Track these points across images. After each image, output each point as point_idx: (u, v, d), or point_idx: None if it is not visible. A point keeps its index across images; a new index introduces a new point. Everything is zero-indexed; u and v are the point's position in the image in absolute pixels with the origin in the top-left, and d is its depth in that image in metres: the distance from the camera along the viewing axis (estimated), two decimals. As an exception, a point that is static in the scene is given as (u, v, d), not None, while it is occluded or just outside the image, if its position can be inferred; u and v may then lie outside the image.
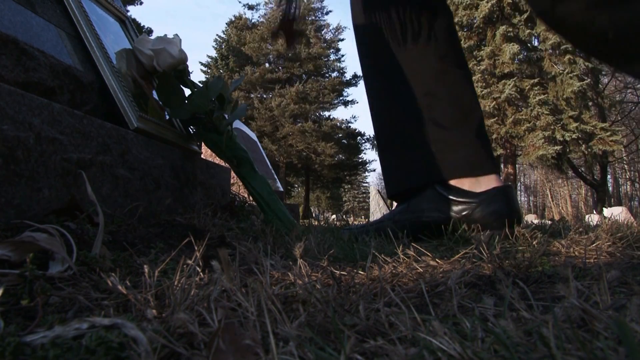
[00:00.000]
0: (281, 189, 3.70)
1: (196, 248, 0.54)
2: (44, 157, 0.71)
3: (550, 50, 13.23)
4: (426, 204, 1.12)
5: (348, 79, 20.82)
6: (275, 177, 3.74)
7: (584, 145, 12.80)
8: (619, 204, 20.66)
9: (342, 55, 23.06)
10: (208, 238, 0.77)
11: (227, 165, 1.63)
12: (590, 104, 13.72)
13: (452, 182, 1.10)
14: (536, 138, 12.51)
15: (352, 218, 14.78)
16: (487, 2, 12.98)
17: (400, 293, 0.47)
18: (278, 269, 0.62)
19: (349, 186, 29.20)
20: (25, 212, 0.66)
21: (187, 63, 1.34)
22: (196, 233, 0.88)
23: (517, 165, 16.56)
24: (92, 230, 0.66)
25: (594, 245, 0.85)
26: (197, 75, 21.85)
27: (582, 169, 15.81)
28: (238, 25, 21.02)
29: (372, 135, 20.40)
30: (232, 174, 1.71)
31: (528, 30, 12.99)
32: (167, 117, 1.34)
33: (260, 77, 19.21)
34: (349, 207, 33.66)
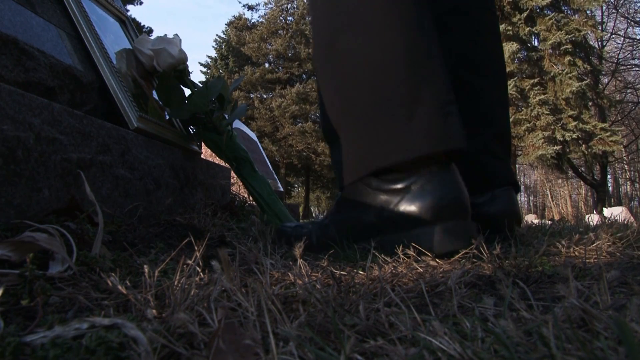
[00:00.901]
0: (281, 189, 3.70)
1: (196, 248, 0.54)
2: (44, 157, 0.71)
3: (550, 50, 13.23)
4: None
5: (348, 79, 20.76)
6: (276, 177, 3.74)
7: (584, 145, 12.80)
8: (619, 204, 20.65)
9: (342, 55, 23.00)
10: (208, 238, 0.77)
11: (227, 165, 1.63)
12: (590, 104, 13.72)
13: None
14: (536, 138, 12.51)
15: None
16: (488, 2, 12.97)
17: (400, 293, 0.47)
18: (278, 269, 0.62)
19: (349, 186, 29.13)
20: (25, 212, 0.66)
21: (187, 63, 1.34)
22: (196, 233, 0.88)
23: (517, 165, 16.57)
24: (92, 230, 0.66)
25: (594, 245, 0.85)
26: (197, 75, 21.86)
27: (582, 169, 15.81)
28: (238, 25, 21.02)
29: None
30: (232, 174, 1.71)
31: (528, 29, 12.99)
32: (167, 117, 1.34)
33: (260, 77, 19.22)
34: (349, 207, 33.57)
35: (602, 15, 16.13)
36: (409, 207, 0.80)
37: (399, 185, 0.82)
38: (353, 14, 0.87)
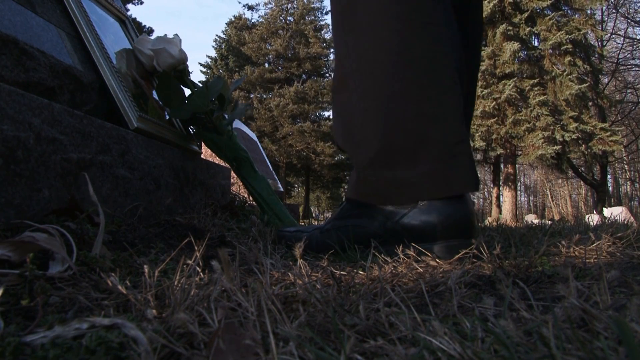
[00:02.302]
0: (281, 189, 3.70)
1: (196, 248, 0.54)
2: (44, 157, 0.71)
3: (551, 50, 13.23)
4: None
5: (348, 79, 20.72)
6: (276, 177, 3.74)
7: (583, 145, 12.80)
8: (619, 204, 20.65)
9: (342, 55, 22.97)
10: (208, 238, 0.77)
11: (227, 165, 1.63)
12: (590, 104, 13.72)
13: None
14: (536, 138, 12.51)
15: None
16: (490, 2, 12.99)
17: (400, 293, 0.47)
18: (278, 269, 0.62)
19: (349, 186, 29.10)
20: (25, 212, 0.66)
21: (187, 63, 1.34)
22: (196, 233, 0.88)
23: (517, 165, 16.56)
24: (92, 230, 0.66)
25: (594, 245, 0.85)
26: (197, 75, 21.88)
27: (582, 169, 15.82)
28: (238, 25, 21.02)
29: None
30: (232, 174, 1.71)
31: (528, 28, 12.99)
32: (167, 117, 1.34)
33: (259, 77, 19.22)
34: (349, 207, 33.51)
35: (602, 15, 16.15)
36: (414, 221, 0.80)
37: None
38: (363, 58, 0.84)
